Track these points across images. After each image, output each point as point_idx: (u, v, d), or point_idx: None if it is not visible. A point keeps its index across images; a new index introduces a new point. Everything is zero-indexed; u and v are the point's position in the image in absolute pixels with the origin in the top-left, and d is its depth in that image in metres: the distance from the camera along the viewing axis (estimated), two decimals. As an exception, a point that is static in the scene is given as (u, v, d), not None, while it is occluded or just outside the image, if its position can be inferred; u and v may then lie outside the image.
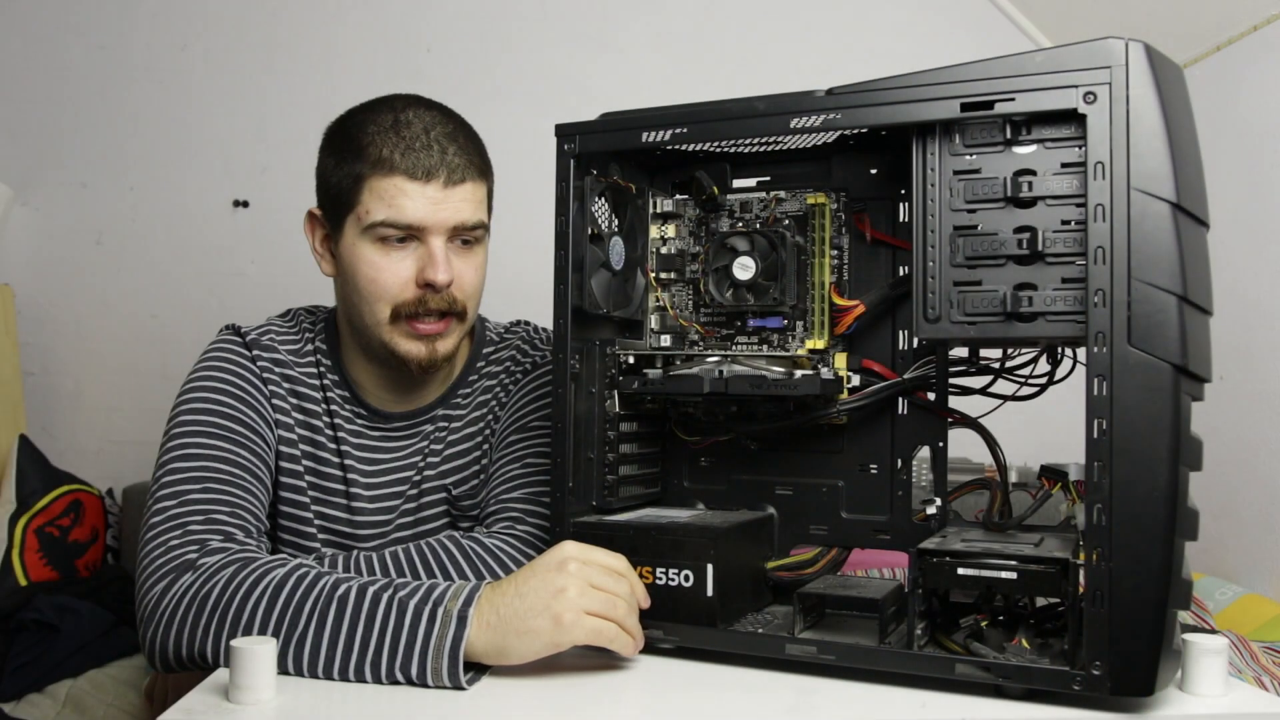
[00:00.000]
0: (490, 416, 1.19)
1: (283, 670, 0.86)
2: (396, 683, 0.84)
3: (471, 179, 1.10)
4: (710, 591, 0.91)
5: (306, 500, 1.15)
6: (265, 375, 1.13)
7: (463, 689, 0.83)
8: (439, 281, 1.07)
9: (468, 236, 1.11)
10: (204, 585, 0.91)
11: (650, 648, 0.94)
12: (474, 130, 1.14)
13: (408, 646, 0.84)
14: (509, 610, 0.84)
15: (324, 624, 0.87)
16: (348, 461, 1.15)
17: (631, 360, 1.02)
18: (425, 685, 0.84)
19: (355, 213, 1.08)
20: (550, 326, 1.15)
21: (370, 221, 1.07)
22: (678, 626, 0.91)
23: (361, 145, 1.08)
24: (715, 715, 0.80)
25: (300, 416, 1.14)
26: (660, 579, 0.93)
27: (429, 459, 1.17)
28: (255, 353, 1.13)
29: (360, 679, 0.85)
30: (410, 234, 1.08)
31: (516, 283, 1.60)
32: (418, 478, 1.18)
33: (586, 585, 0.85)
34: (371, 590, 0.88)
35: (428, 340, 1.10)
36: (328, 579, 0.90)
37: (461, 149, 1.09)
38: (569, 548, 0.88)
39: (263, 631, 0.88)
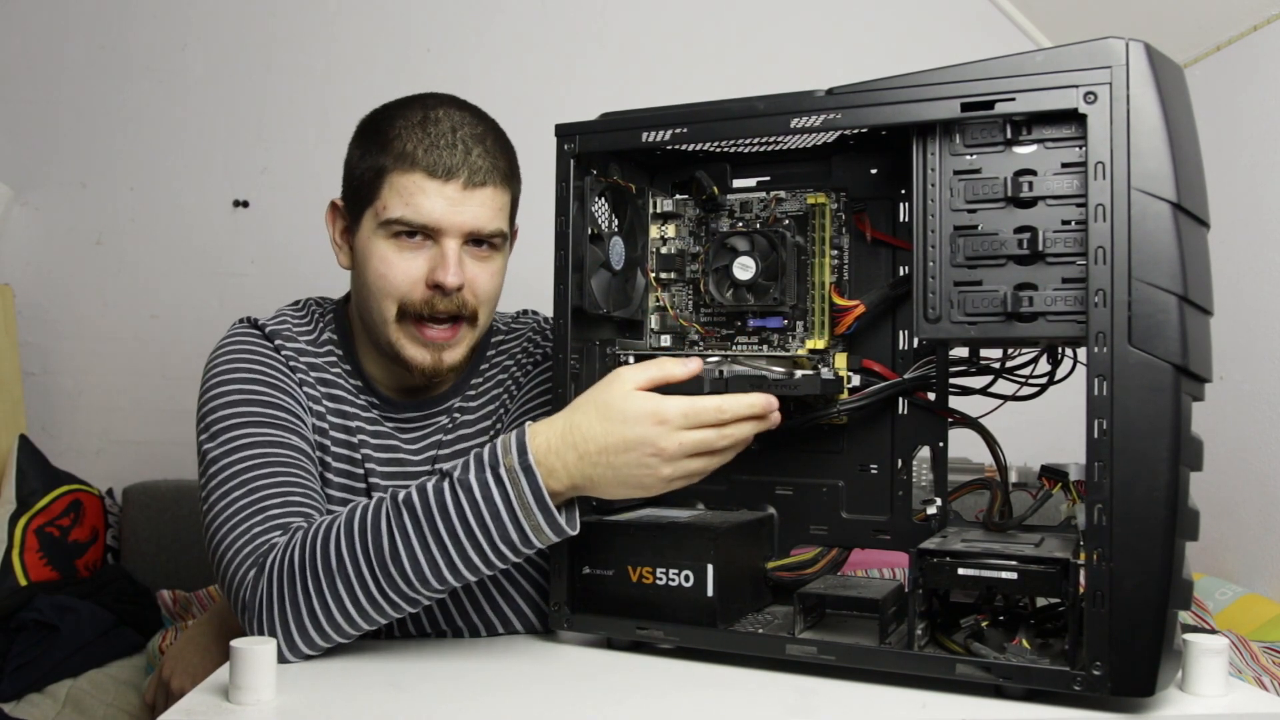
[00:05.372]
0: (501, 410, 1.18)
1: (412, 605, 0.91)
2: (505, 561, 0.89)
3: (494, 184, 1.07)
4: (710, 591, 0.91)
5: (333, 490, 1.13)
6: (292, 364, 1.11)
7: (571, 534, 0.89)
8: (448, 284, 1.05)
9: (485, 241, 1.09)
10: (285, 557, 0.92)
11: (650, 648, 0.94)
12: (507, 138, 1.12)
13: (494, 516, 0.87)
14: (600, 477, 0.87)
15: (408, 533, 0.89)
16: (365, 450, 1.14)
17: (632, 360, 1.02)
18: (534, 548, 0.89)
19: (374, 207, 1.07)
20: (549, 314, 1.14)
21: (386, 217, 1.05)
22: (678, 627, 0.91)
23: (388, 139, 1.06)
24: (715, 715, 0.80)
25: (331, 404, 1.12)
26: (660, 579, 0.93)
27: (442, 451, 1.17)
28: (278, 343, 1.11)
29: (473, 570, 0.89)
30: (425, 233, 1.06)
31: (516, 282, 1.60)
32: (432, 471, 1.17)
33: (682, 460, 0.87)
34: (430, 484, 0.90)
35: (434, 348, 1.08)
36: (384, 497, 0.92)
37: (487, 151, 1.07)
38: (669, 430, 0.85)
39: (356, 568, 0.89)
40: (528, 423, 0.91)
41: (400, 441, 1.15)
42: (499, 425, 1.17)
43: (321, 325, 1.17)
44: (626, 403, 0.87)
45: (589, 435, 0.87)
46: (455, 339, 1.09)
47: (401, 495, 0.90)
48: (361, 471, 1.12)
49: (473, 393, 1.18)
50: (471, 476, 0.88)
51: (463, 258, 1.07)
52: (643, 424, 0.85)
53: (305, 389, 1.11)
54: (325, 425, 1.11)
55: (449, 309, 1.07)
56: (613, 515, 0.99)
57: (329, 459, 1.10)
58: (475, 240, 1.08)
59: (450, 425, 1.17)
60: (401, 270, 1.06)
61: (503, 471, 0.87)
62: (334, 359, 1.15)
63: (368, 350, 1.16)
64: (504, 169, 1.09)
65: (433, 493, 0.89)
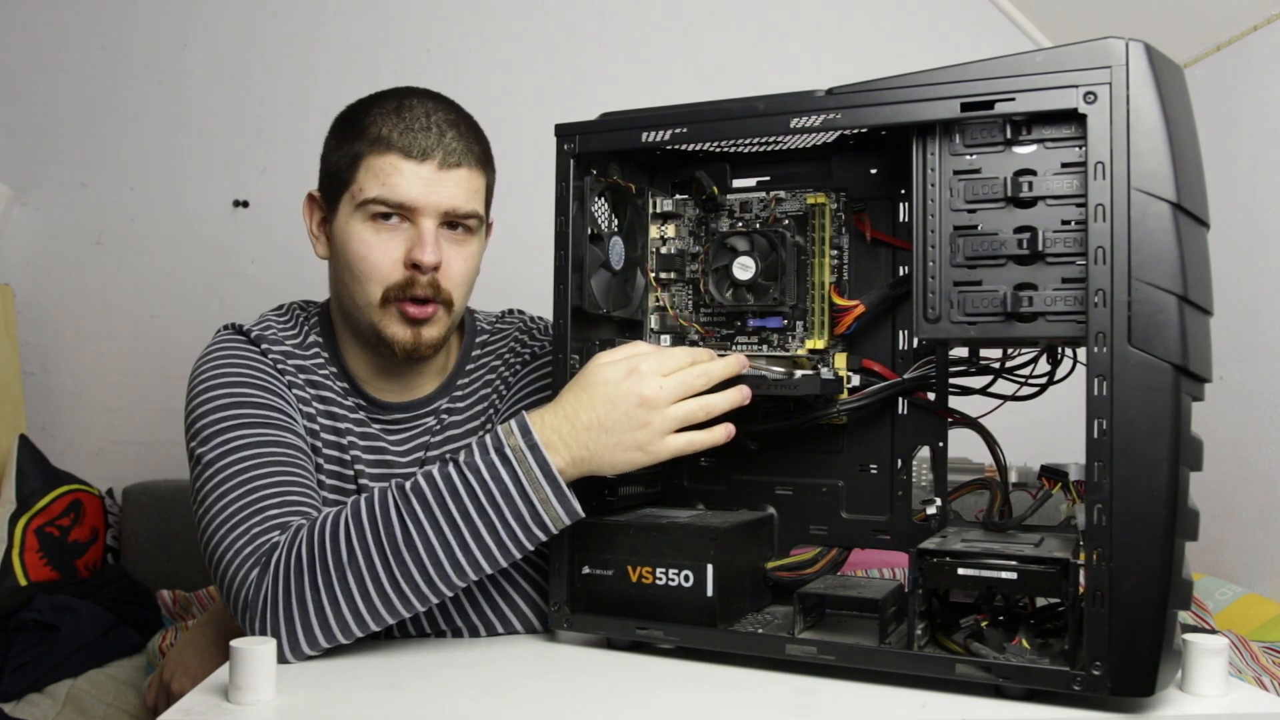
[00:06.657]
0: (491, 410, 1.18)
1: (421, 600, 0.91)
2: (517, 541, 0.90)
3: (468, 166, 1.09)
4: (710, 591, 0.91)
5: (325, 493, 1.13)
6: (279, 367, 1.11)
7: (579, 512, 0.91)
8: (425, 262, 1.06)
9: (460, 224, 1.11)
10: (291, 554, 0.92)
11: (650, 648, 0.94)
12: (481, 129, 1.14)
13: (504, 494, 0.89)
14: (597, 445, 0.90)
15: (419, 518, 0.90)
16: (354, 452, 1.14)
17: (631, 360, 1.02)
18: (545, 527, 0.90)
19: (350, 190, 1.08)
20: (545, 315, 1.15)
21: (363, 198, 1.06)
22: (678, 627, 0.91)
23: (363, 127, 1.08)
24: (715, 715, 0.80)
25: (320, 406, 1.13)
26: (660, 579, 0.93)
27: (430, 453, 1.17)
28: (264, 347, 1.12)
29: (486, 553, 0.90)
30: (402, 214, 1.07)
31: (516, 283, 1.61)
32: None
33: (668, 409, 0.90)
34: (436, 470, 0.91)
35: (414, 325, 1.09)
36: (388, 487, 0.92)
37: (461, 136, 1.10)
38: (645, 374, 0.90)
39: (367, 558, 0.89)
40: (523, 411, 0.93)
41: (387, 443, 1.16)
42: (488, 425, 1.18)
43: (306, 328, 1.18)
44: (603, 371, 0.92)
45: (578, 408, 0.91)
46: (433, 317, 1.10)
47: (409, 484, 0.91)
48: (351, 473, 1.12)
49: (460, 393, 1.19)
50: (478, 459, 0.91)
51: (439, 239, 1.08)
52: (622, 382, 0.90)
53: (295, 391, 1.11)
54: (316, 427, 1.11)
55: (425, 291, 1.08)
56: (613, 514, 0.99)
57: (321, 460, 1.11)
58: (450, 223, 1.10)
59: (438, 426, 1.17)
60: (381, 251, 1.07)
61: (509, 451, 0.90)
62: (320, 361, 1.15)
63: (352, 348, 1.16)
64: (478, 153, 1.11)
65: (440, 478, 0.91)
